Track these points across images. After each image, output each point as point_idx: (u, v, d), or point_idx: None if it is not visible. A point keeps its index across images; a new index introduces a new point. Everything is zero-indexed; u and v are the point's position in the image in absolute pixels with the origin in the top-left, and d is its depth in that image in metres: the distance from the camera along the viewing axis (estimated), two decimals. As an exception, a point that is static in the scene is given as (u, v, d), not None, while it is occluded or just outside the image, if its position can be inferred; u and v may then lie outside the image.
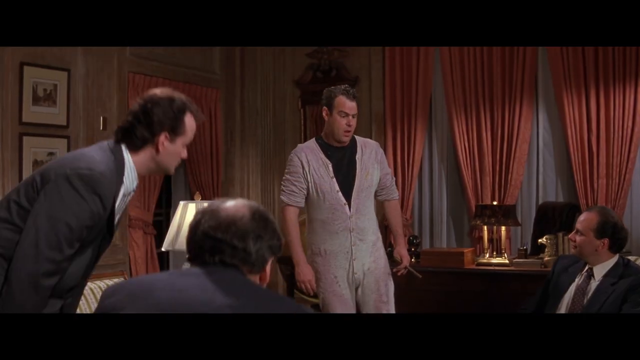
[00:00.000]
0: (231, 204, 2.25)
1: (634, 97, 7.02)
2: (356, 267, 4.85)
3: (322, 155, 4.89)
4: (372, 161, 4.93)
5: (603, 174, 7.14)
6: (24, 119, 6.29)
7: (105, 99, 7.02)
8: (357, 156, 4.92)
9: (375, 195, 5.09)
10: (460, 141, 7.75)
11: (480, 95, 7.66)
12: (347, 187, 4.84)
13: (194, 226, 2.25)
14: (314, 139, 5.08)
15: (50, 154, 6.50)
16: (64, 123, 6.62)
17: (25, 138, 6.30)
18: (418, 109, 7.91)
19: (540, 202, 7.43)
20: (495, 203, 7.17)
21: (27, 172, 6.30)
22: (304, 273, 4.87)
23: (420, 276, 5.16)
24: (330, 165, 4.86)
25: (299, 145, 5.09)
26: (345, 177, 4.86)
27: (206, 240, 2.19)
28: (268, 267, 2.27)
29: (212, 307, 2.05)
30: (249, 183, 8.83)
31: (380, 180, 4.99)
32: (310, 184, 4.85)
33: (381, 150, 5.09)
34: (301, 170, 4.89)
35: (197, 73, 8.13)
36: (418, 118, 7.91)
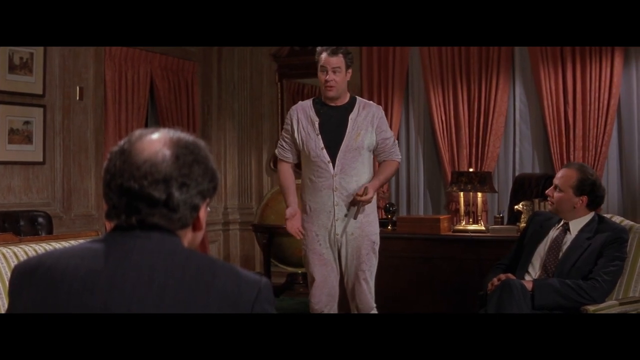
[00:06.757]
0: (148, 141, 1.77)
1: (610, 70, 7.07)
2: (338, 227, 4.80)
3: (312, 113, 4.85)
4: (366, 123, 4.81)
5: (579, 146, 7.19)
6: (0, 87, 6.25)
7: (81, 68, 6.98)
8: (350, 116, 4.83)
9: (377, 159, 5.05)
10: (437, 114, 7.77)
11: (457, 67, 7.68)
12: (333, 146, 4.78)
13: (104, 176, 1.79)
14: (312, 98, 5.03)
15: (27, 122, 6.47)
16: (40, 92, 6.58)
17: (0, 106, 6.26)
18: (395, 81, 7.92)
19: (517, 174, 7.46)
20: (471, 170, 7.16)
21: (2, 141, 6.28)
22: (288, 211, 4.90)
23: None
24: (317, 123, 4.82)
25: (297, 103, 5.08)
26: (334, 135, 4.80)
27: (121, 197, 1.76)
28: (202, 212, 1.84)
29: (127, 299, 1.69)
30: (225, 156, 8.84)
31: (377, 144, 4.87)
32: (299, 141, 4.85)
33: (381, 114, 4.90)
34: (290, 128, 4.91)
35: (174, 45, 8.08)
36: (395, 90, 7.92)
